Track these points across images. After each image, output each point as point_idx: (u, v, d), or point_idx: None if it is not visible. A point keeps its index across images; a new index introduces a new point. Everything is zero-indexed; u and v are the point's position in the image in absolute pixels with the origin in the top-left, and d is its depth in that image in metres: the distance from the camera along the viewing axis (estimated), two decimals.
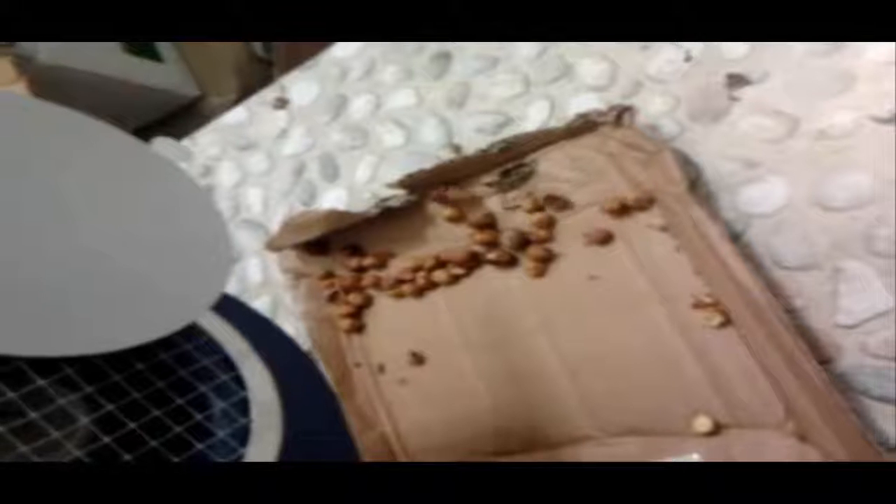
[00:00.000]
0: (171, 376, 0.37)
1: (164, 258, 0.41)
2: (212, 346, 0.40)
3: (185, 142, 0.95)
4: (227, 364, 0.39)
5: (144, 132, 1.86)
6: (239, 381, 0.39)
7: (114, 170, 0.43)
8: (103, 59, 1.76)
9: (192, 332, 0.40)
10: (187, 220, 0.44)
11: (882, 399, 0.51)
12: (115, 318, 0.37)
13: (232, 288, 0.83)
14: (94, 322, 0.36)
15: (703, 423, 0.54)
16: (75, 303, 0.37)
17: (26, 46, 1.54)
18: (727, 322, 0.55)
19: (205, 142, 0.93)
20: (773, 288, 0.54)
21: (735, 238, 0.57)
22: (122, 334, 0.36)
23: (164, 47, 1.99)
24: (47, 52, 1.58)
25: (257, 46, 1.82)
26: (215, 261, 0.43)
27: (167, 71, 1.97)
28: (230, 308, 0.43)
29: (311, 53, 0.88)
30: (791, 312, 0.54)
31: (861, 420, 0.49)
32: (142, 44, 1.91)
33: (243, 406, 0.37)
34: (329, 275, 0.73)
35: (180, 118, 1.94)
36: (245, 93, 0.90)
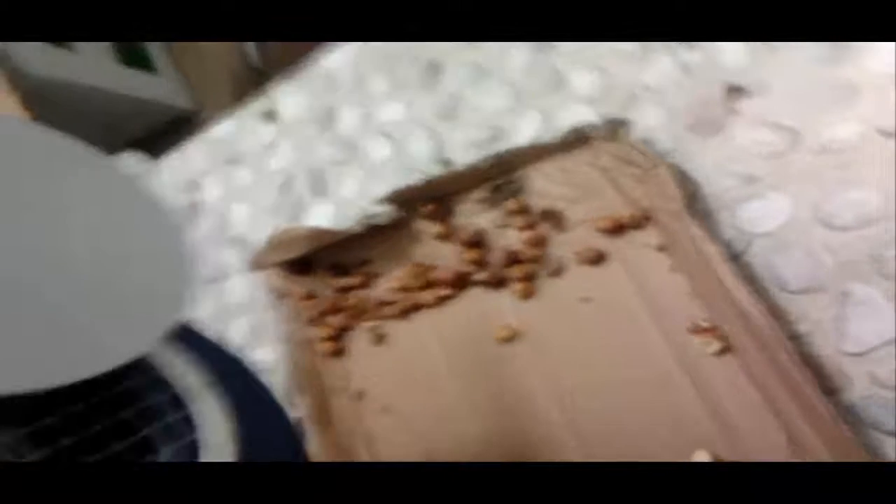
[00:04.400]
0: (111, 418, 0.34)
1: (111, 283, 0.37)
2: (160, 382, 0.37)
3: (172, 156, 0.92)
4: (177, 402, 0.36)
5: (138, 144, 1.84)
6: (189, 422, 0.35)
7: (64, 186, 0.40)
8: (96, 71, 1.73)
9: (138, 367, 0.36)
10: (144, 242, 0.40)
11: (894, 433, 0.48)
12: (47, 352, 0.33)
13: (213, 307, 0.80)
14: (23, 358, 0.32)
15: (701, 457, 0.51)
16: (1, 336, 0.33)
17: (19, 59, 1.52)
18: (727, 349, 0.52)
19: (191, 155, 0.91)
20: (775, 312, 0.51)
21: (735, 258, 0.54)
22: (54, 371, 0.32)
23: (158, 58, 1.97)
24: (40, 64, 1.55)
25: (253, 57, 1.79)
26: (172, 287, 0.39)
27: (161, 82, 1.94)
28: (186, 338, 0.39)
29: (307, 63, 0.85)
30: (795, 339, 0.51)
31: (871, 455, 0.46)
32: (135, 55, 1.89)
33: (192, 450, 0.34)
34: (312, 295, 0.70)
35: (174, 130, 1.92)
36: (240, 104, 0.88)
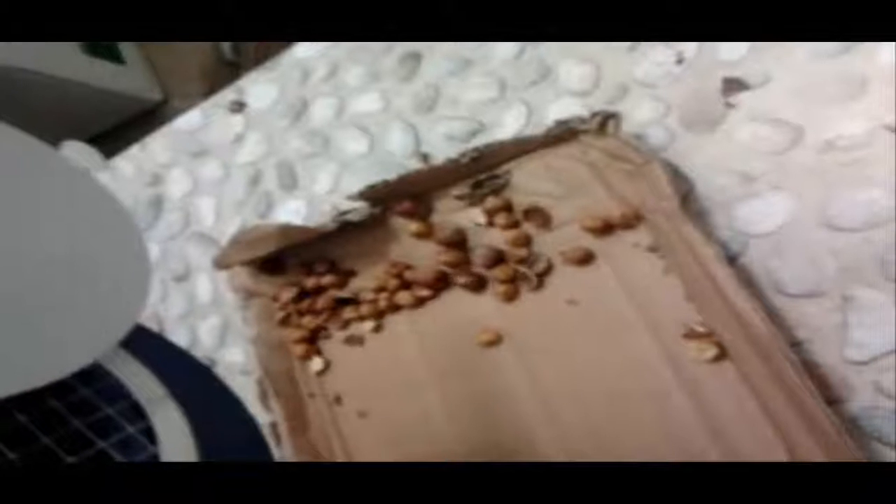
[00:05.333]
0: (62, 430, 0.31)
1: (60, 283, 0.34)
2: (117, 391, 0.34)
3: (135, 148, 0.89)
4: (136, 412, 0.33)
5: (102, 138, 1.80)
6: (149, 434, 0.33)
7: (11, 182, 0.37)
8: (61, 60, 1.70)
9: (92, 374, 0.34)
10: (95, 239, 0.38)
11: None
12: None
13: (178, 307, 0.77)
14: None
15: None
16: None
17: None
18: (722, 355, 0.50)
19: (155, 148, 0.88)
20: (774, 317, 0.49)
21: (731, 260, 0.52)
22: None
23: (126, 49, 1.94)
24: None
25: (226, 49, 1.77)
26: (127, 287, 0.37)
27: (129, 74, 1.91)
28: (145, 343, 0.37)
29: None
30: (795, 346, 0.49)
31: None
32: (103, 45, 1.86)
33: None
34: (282, 295, 0.67)
35: (142, 123, 1.89)
36: (209, 96, 0.86)
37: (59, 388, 0.32)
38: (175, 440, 0.33)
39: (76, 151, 0.86)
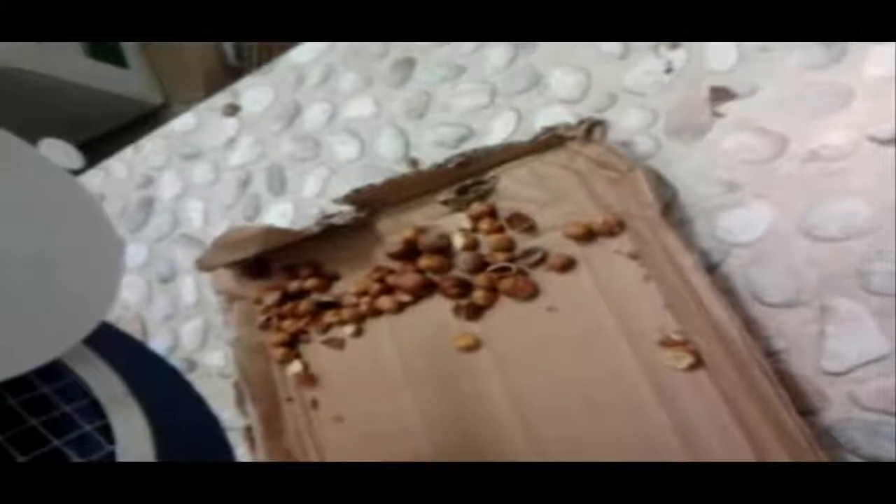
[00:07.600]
0: (16, 427, 0.31)
1: (26, 277, 0.35)
2: (77, 389, 0.34)
3: (129, 150, 0.91)
4: (95, 411, 0.34)
5: (103, 140, 1.82)
6: (107, 432, 0.33)
7: None
8: (63, 62, 1.72)
9: (53, 372, 0.34)
10: (66, 235, 0.38)
11: (873, 459, 0.46)
12: None
13: (163, 309, 0.78)
14: None
15: None
16: None
17: None
18: (698, 364, 0.51)
19: (149, 149, 0.89)
20: (751, 327, 0.50)
21: (711, 269, 0.53)
22: None
23: (130, 53, 1.96)
24: (1, 52, 1.53)
25: (229, 54, 1.78)
26: (96, 285, 0.37)
27: (132, 77, 1.94)
28: (110, 342, 0.37)
29: None
30: (771, 355, 0.50)
31: None
32: (106, 49, 1.88)
33: None
34: (265, 298, 0.68)
35: (142, 126, 1.91)
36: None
37: (17, 385, 0.32)
38: (133, 439, 0.33)
39: (54, 149, 0.86)
